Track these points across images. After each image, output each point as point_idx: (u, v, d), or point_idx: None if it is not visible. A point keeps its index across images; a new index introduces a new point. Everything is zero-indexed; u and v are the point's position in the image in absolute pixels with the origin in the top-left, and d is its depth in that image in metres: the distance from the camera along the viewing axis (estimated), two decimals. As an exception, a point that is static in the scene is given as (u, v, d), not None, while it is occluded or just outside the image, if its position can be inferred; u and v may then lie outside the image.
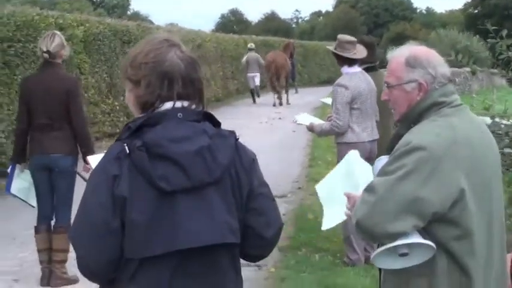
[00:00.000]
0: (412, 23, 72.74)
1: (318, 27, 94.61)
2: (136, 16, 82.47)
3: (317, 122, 7.67)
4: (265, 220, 2.72)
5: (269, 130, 19.31)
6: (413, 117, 3.15)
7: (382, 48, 38.39)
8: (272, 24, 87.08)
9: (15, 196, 7.15)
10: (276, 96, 27.44)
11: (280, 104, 27.12)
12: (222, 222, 2.54)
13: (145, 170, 2.46)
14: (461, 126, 3.04)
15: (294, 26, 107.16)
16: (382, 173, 3.02)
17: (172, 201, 2.48)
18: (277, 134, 18.24)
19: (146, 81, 2.59)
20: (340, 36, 7.60)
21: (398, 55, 3.23)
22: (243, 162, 2.68)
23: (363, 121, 7.22)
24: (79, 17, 16.50)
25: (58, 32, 7.00)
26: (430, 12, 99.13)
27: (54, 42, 6.64)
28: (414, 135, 3.02)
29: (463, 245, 2.96)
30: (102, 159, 2.58)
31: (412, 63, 3.15)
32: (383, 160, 3.23)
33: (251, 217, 2.69)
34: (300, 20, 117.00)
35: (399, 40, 64.05)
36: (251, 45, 29.08)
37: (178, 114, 2.57)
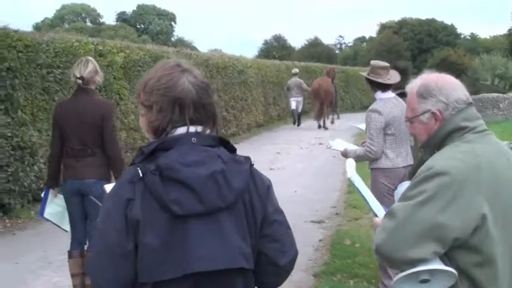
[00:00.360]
0: (456, 49, 72.03)
1: (361, 52, 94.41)
2: (180, 42, 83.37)
3: (351, 147, 7.62)
4: (279, 247, 2.72)
5: (309, 155, 19.26)
6: (435, 144, 3.15)
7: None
8: (315, 50, 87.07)
9: (47, 220, 7.23)
10: (321, 120, 28.44)
11: (325, 127, 28.06)
12: (234, 247, 2.54)
13: (158, 193, 2.48)
14: (485, 152, 3.01)
15: (337, 51, 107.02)
16: (403, 198, 2.99)
17: (184, 225, 2.50)
18: (317, 160, 18.19)
19: (158, 106, 2.63)
20: (374, 62, 7.59)
21: (412, 87, 3.24)
22: (257, 189, 2.70)
23: (397, 147, 7.17)
24: (119, 43, 16.68)
25: (91, 58, 7.05)
26: (474, 37, 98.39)
27: (87, 68, 6.71)
28: (436, 161, 3.00)
29: (485, 272, 2.92)
30: (116, 183, 2.63)
31: (423, 93, 3.15)
32: (405, 185, 3.21)
33: (265, 244, 2.69)
34: (343, 46, 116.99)
35: (443, 66, 63.89)
36: (295, 70, 29.74)
37: (192, 139, 2.60)
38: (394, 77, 7.41)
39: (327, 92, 27.89)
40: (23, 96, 11.53)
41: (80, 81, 6.66)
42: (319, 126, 28.26)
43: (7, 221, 11.04)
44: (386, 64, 7.56)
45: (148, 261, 2.48)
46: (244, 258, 2.56)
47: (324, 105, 28.08)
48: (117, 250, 2.49)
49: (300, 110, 28.92)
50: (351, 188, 14.07)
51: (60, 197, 7.00)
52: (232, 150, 2.72)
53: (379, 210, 3.42)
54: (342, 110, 34.31)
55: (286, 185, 14.32)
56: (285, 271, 2.79)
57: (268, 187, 2.76)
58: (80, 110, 6.63)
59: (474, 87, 41.17)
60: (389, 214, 2.95)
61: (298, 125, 29.15)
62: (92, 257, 2.60)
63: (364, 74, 7.66)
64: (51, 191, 7.07)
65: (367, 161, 7.42)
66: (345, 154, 7.52)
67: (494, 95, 33.64)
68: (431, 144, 3.17)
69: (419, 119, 3.16)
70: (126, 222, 2.49)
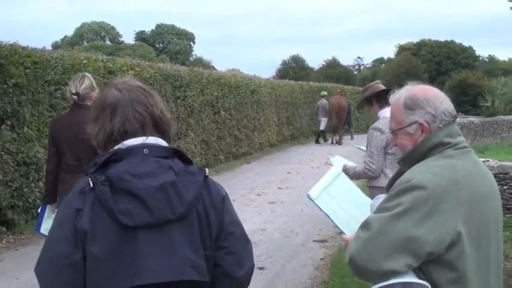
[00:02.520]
0: (474, 71, 71.89)
1: (380, 74, 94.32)
2: (199, 62, 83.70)
3: (350, 164, 7.58)
4: (235, 259, 2.69)
5: (319, 175, 18.94)
6: (417, 157, 3.11)
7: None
8: (333, 71, 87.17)
9: (44, 236, 7.21)
10: (336, 136, 31.16)
11: (340, 143, 30.54)
12: (183, 259, 2.50)
13: (107, 204, 2.46)
14: (464, 168, 2.99)
15: (355, 72, 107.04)
16: (379, 209, 2.96)
17: (134, 236, 2.47)
18: (326, 180, 18.09)
19: (94, 116, 2.71)
20: (378, 81, 7.59)
21: (397, 98, 3.20)
22: (212, 200, 2.66)
23: (397, 166, 7.10)
24: (129, 61, 16.73)
25: (88, 74, 6.99)
26: (492, 60, 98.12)
27: (83, 84, 6.68)
28: (414, 174, 2.96)
29: None
30: (69, 193, 2.61)
31: (410, 105, 3.12)
32: (380, 199, 3.17)
33: (221, 256, 2.66)
34: (361, 67, 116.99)
35: (461, 88, 63.80)
36: (323, 92, 32.60)
37: (144, 150, 2.60)
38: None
39: (343, 109, 30.78)
40: (29, 113, 11.59)
41: (75, 97, 6.63)
42: (332, 142, 30.84)
43: (11, 236, 11.05)
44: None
45: (96, 272, 2.45)
46: (195, 270, 2.52)
47: (340, 121, 30.70)
48: (63, 260, 2.47)
49: (322, 128, 31.42)
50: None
51: None
52: (187, 161, 2.69)
53: (345, 226, 3.39)
54: (356, 131, 34.20)
55: (293, 204, 14.35)
56: (241, 283, 2.74)
57: (224, 198, 2.72)
58: (75, 126, 6.57)
59: (490, 109, 41.10)
60: (364, 225, 2.91)
61: (316, 142, 31.54)
62: (40, 266, 2.57)
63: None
64: (48, 207, 7.05)
65: (365, 178, 7.39)
66: (344, 171, 7.48)
67: (511, 117, 33.55)
68: (412, 157, 3.13)
69: (406, 130, 3.13)
70: (75, 233, 2.47)
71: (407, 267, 2.81)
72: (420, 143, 3.09)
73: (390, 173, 7.05)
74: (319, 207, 3.57)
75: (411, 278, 2.80)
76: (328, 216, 3.52)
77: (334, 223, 3.50)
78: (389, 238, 2.80)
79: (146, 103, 2.68)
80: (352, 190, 3.96)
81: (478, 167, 3.13)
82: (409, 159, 3.15)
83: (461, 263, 2.86)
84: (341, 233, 3.43)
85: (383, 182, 7.06)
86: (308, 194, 3.67)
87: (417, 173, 2.96)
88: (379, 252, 2.80)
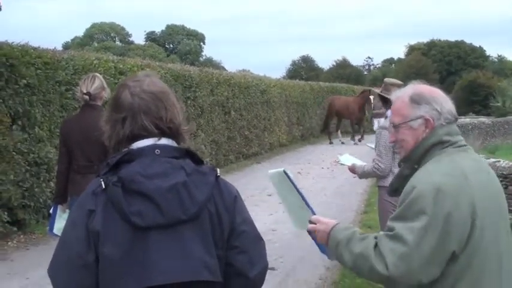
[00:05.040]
0: (484, 71, 71.58)
1: (390, 74, 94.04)
2: (209, 62, 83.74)
3: (359, 163, 7.58)
4: (247, 259, 2.68)
5: (329, 175, 19.22)
6: (417, 156, 3.13)
7: (455, 95, 38.31)
8: (343, 71, 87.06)
9: (57, 236, 7.23)
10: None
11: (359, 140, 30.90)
12: (196, 259, 2.51)
13: (119, 205, 2.47)
14: (468, 164, 3.03)
15: (365, 73, 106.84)
16: (401, 217, 2.94)
17: (145, 237, 2.48)
18: (336, 180, 18.14)
19: (106, 120, 2.71)
20: (387, 79, 7.60)
21: (402, 94, 3.22)
22: (224, 199, 2.66)
23: (407, 166, 7.10)
24: (140, 61, 16.75)
25: (98, 75, 7.01)
26: (501, 60, 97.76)
27: (94, 84, 6.68)
28: (423, 177, 2.98)
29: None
30: (81, 195, 2.62)
31: (417, 100, 3.14)
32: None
33: (234, 255, 2.65)
34: (372, 67, 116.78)
35: (472, 88, 63.57)
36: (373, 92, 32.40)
37: (156, 151, 2.60)
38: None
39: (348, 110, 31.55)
40: (41, 113, 11.65)
41: (86, 96, 6.64)
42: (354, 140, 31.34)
43: (22, 236, 11.10)
44: (399, 82, 7.53)
45: (108, 272, 2.46)
46: (208, 270, 2.52)
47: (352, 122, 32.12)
48: (78, 261, 2.48)
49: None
50: (368, 208, 14.04)
51: (68, 212, 7.01)
52: (199, 161, 2.69)
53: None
54: (366, 131, 34.12)
55: (303, 204, 14.28)
56: (254, 283, 2.72)
57: (235, 197, 2.71)
58: (85, 126, 6.57)
59: (501, 110, 40.95)
60: (395, 236, 2.90)
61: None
62: (53, 267, 2.58)
63: (378, 91, 7.63)
64: (59, 207, 7.07)
65: (374, 177, 7.39)
66: (353, 170, 7.49)
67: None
68: (412, 158, 3.15)
69: (409, 124, 3.14)
70: (88, 234, 2.48)
71: (432, 277, 2.89)
72: (422, 141, 3.11)
73: (399, 172, 7.05)
74: (293, 183, 3.47)
75: None
76: (300, 193, 3.45)
77: (305, 200, 3.42)
78: (424, 250, 2.82)
79: (154, 115, 2.66)
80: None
81: (480, 163, 3.17)
82: (409, 160, 3.19)
83: (475, 257, 2.90)
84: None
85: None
86: (284, 169, 3.55)
87: (427, 176, 2.97)
88: (417, 265, 2.84)
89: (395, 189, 3.23)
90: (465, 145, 3.15)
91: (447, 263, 2.88)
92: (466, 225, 2.86)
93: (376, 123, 29.62)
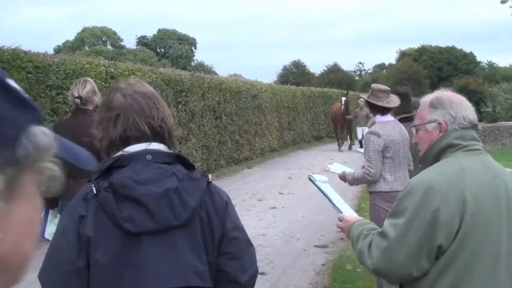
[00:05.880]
0: (475, 77, 71.75)
1: (381, 79, 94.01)
2: (200, 67, 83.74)
3: (349, 170, 7.59)
4: (239, 265, 2.68)
5: (320, 181, 19.20)
6: (431, 158, 3.26)
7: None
8: (335, 77, 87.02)
9: (48, 241, 7.21)
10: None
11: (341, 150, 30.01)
12: (187, 266, 2.52)
13: (111, 210, 2.47)
14: (471, 167, 3.10)
15: (356, 78, 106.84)
16: (392, 213, 3.15)
17: (137, 243, 2.48)
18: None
19: (99, 119, 2.73)
20: (374, 85, 7.59)
21: (425, 99, 3.39)
22: (215, 205, 2.66)
23: (395, 170, 7.12)
24: (131, 66, 16.74)
25: (90, 79, 7.00)
26: (491, 66, 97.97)
27: (86, 88, 6.66)
28: (419, 175, 3.16)
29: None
30: (73, 200, 2.63)
31: (434, 104, 3.29)
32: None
33: (224, 261, 2.66)
34: (363, 72, 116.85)
35: (463, 94, 63.46)
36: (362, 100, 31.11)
37: (148, 156, 2.60)
38: (394, 101, 7.39)
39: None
40: (31, 117, 11.54)
41: (77, 100, 6.61)
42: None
43: (12, 240, 11.03)
44: (387, 88, 7.56)
45: (100, 278, 2.47)
46: (198, 276, 2.53)
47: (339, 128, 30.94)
48: (68, 266, 2.48)
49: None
50: (359, 213, 13.96)
51: (60, 217, 6.99)
52: (190, 167, 2.69)
53: (342, 206, 3.57)
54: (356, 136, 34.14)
55: (294, 209, 14.34)
56: None
57: (227, 203, 2.71)
58: (77, 131, 6.53)
59: (492, 115, 41.09)
60: (381, 233, 3.10)
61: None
62: (44, 272, 2.57)
63: (365, 96, 7.65)
64: (50, 211, 7.05)
65: (365, 183, 7.40)
66: (343, 177, 7.50)
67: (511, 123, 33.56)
68: (428, 158, 3.28)
69: (425, 127, 3.29)
70: (79, 239, 2.48)
71: (423, 271, 2.99)
72: (434, 143, 3.23)
73: (389, 177, 7.07)
74: (319, 187, 3.74)
75: None
76: (327, 196, 3.76)
77: (332, 203, 3.66)
78: (405, 245, 2.97)
79: (147, 113, 2.66)
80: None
81: (489, 165, 3.23)
82: (425, 162, 3.32)
83: (460, 254, 2.97)
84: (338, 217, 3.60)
85: (382, 186, 7.08)
86: (309, 175, 3.85)
87: (422, 174, 3.15)
88: (398, 259, 2.99)
89: None
90: (479, 149, 3.24)
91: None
92: (455, 221, 2.93)
93: (360, 132, 28.13)
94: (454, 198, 2.94)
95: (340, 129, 31.08)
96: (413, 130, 3.45)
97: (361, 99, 30.83)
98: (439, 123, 3.23)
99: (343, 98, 30.60)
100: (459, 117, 3.21)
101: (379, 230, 3.14)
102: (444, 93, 3.36)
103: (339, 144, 30.80)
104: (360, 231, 3.27)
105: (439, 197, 2.94)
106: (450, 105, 3.24)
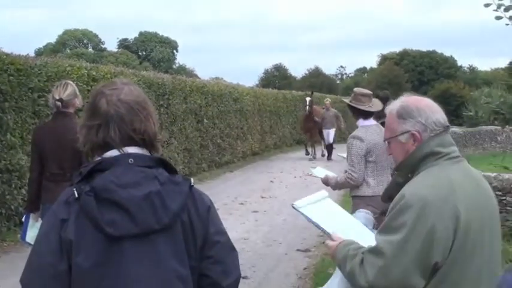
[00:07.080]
0: (456, 82, 72.26)
1: (362, 83, 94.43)
2: (182, 70, 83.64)
3: (332, 175, 7.60)
4: (222, 269, 2.68)
5: (302, 185, 19.20)
6: (410, 166, 3.20)
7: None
8: (316, 80, 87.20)
9: (30, 244, 7.18)
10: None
11: (314, 157, 28.27)
12: (168, 269, 2.52)
13: (92, 214, 2.46)
14: (458, 178, 3.07)
15: (338, 82, 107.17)
16: (385, 229, 3.06)
17: (119, 247, 2.47)
18: (309, 188, 18.04)
19: (83, 121, 2.71)
20: (356, 89, 7.59)
21: (391, 108, 3.29)
22: (198, 209, 2.66)
23: (378, 174, 7.12)
24: (113, 69, 16.65)
25: (71, 82, 6.96)
26: (472, 70, 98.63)
27: (67, 90, 6.63)
28: (412, 189, 3.04)
29: None
30: (54, 204, 2.61)
31: (402, 114, 3.21)
32: (362, 212, 3.22)
33: (208, 265, 2.66)
34: (344, 76, 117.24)
35: (444, 98, 64.06)
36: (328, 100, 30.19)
37: (129, 160, 2.59)
38: (376, 105, 7.40)
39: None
40: (13, 120, 11.55)
41: (58, 103, 6.58)
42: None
43: (-8, 243, 10.97)
44: (369, 92, 7.57)
45: (82, 282, 2.46)
46: (180, 281, 2.53)
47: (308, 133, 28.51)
48: (50, 270, 2.47)
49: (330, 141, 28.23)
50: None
51: (41, 221, 6.96)
52: (172, 171, 2.68)
53: (334, 230, 3.46)
54: (339, 140, 34.20)
55: (276, 213, 14.35)
56: None
57: (209, 207, 2.71)
58: (57, 134, 6.53)
59: (473, 120, 41.28)
60: (375, 250, 3.02)
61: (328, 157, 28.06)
62: (25, 276, 2.56)
63: (347, 100, 7.66)
64: (32, 215, 7.02)
65: (348, 188, 7.40)
66: (326, 181, 7.51)
67: (493, 127, 33.75)
68: (406, 166, 3.23)
69: (398, 139, 3.22)
70: (60, 243, 2.47)
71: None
72: (411, 153, 3.18)
73: (372, 181, 7.07)
74: (305, 215, 3.61)
75: None
76: (314, 222, 3.56)
77: (321, 228, 3.54)
78: (403, 262, 2.91)
79: (128, 126, 2.64)
80: (338, 211, 3.98)
81: (470, 175, 3.21)
82: (403, 169, 3.26)
83: (453, 270, 2.95)
84: (324, 242, 3.50)
85: (365, 191, 7.08)
86: (292, 204, 3.70)
87: (413, 188, 3.05)
88: (396, 277, 2.93)
89: (390, 196, 3.28)
90: (458, 156, 3.21)
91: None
92: (449, 236, 2.91)
93: (326, 135, 28.09)
94: (448, 214, 2.92)
95: (309, 135, 28.60)
96: (386, 143, 3.36)
97: (327, 99, 30.48)
98: (412, 134, 3.17)
99: (308, 99, 27.89)
100: (430, 124, 3.16)
101: (371, 246, 3.07)
102: (409, 100, 3.27)
103: (308, 153, 28.73)
104: (345, 253, 3.18)
105: (435, 213, 2.90)
106: (418, 112, 3.18)
